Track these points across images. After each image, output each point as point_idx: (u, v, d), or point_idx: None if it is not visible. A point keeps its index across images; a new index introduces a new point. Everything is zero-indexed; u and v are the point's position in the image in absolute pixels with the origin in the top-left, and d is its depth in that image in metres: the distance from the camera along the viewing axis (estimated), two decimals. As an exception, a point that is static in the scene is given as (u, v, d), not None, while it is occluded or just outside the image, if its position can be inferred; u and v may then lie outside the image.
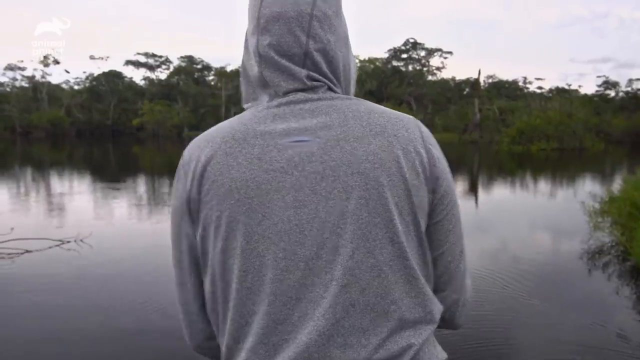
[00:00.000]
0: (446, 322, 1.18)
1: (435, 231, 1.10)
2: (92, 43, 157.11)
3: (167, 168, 26.78)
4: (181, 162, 1.12)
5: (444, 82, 77.10)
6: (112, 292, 6.01)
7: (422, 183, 1.04)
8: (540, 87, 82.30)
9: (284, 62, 1.07)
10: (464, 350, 4.24)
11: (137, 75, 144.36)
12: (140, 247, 8.35)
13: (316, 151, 1.02)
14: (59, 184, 19.07)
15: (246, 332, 1.04)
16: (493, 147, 35.21)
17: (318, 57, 1.08)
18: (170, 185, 18.47)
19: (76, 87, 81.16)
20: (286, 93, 1.08)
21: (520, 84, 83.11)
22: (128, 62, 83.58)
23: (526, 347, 4.58)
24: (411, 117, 1.10)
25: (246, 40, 1.16)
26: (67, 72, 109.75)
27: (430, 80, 77.00)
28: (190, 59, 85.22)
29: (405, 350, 1.02)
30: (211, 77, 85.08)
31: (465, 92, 72.24)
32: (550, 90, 76.40)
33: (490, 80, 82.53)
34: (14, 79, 77.52)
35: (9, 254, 7.60)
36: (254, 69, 1.12)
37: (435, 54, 78.81)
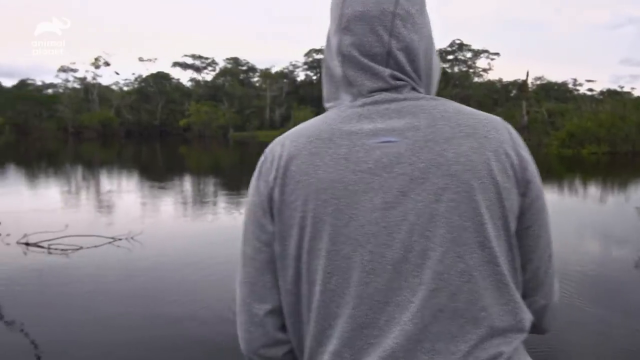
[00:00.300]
0: (534, 327, 1.13)
1: (525, 237, 1.06)
2: (141, 45, 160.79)
3: (212, 168, 27.17)
4: (262, 159, 1.11)
5: (490, 83, 75.96)
6: (161, 288, 6.13)
7: (513, 186, 1.01)
8: (590, 90, 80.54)
9: (366, 61, 1.06)
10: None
11: (184, 77, 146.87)
12: (189, 245, 8.48)
13: (404, 152, 1.00)
14: (109, 182, 19.57)
15: (329, 335, 1.02)
16: (541, 150, 34.39)
17: (401, 57, 1.06)
18: (217, 184, 18.77)
19: (125, 89, 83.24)
20: (370, 92, 1.06)
21: (570, 86, 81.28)
22: (175, 64, 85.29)
23: (578, 351, 4.47)
24: (499, 118, 1.07)
25: (328, 39, 1.15)
26: (117, 73, 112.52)
27: (476, 82, 75.98)
28: (235, 61, 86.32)
29: (495, 359, 0.98)
30: (256, 79, 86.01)
31: (512, 94, 70.93)
32: (602, 93, 74.26)
33: (538, 82, 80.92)
34: (67, 81, 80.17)
35: (64, 249, 7.85)
36: (336, 69, 1.11)
37: (482, 55, 77.78)
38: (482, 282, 0.98)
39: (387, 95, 1.05)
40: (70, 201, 14.06)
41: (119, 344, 4.59)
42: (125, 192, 16.36)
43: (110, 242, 8.25)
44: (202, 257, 7.66)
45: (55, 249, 7.87)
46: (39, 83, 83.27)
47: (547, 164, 29.47)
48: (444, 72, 74.93)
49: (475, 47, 77.45)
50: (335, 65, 1.11)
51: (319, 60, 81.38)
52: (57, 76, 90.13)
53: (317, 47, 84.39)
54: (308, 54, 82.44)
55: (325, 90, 1.17)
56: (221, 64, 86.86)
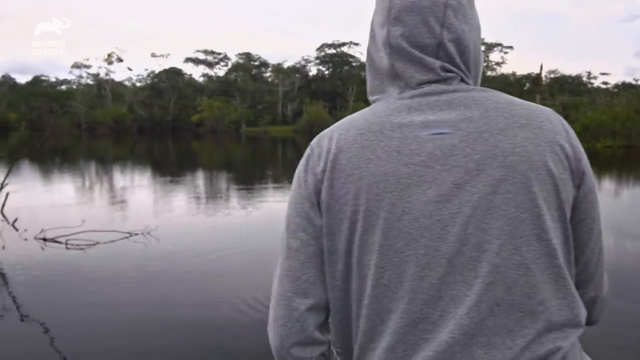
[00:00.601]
0: None
1: (578, 229, 1.04)
2: (154, 41, 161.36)
3: (225, 163, 27.26)
4: (308, 152, 1.09)
5: (503, 77, 75.43)
6: (176, 284, 6.18)
7: (568, 177, 1.00)
8: (605, 83, 79.46)
9: (416, 53, 1.04)
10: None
11: (197, 72, 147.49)
12: (204, 241, 8.53)
13: (458, 144, 0.98)
14: (123, 177, 19.69)
15: (382, 330, 1.00)
16: (555, 144, 34.19)
17: (451, 48, 1.04)
18: (229, 179, 18.84)
19: (138, 84, 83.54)
20: (419, 85, 1.04)
21: (584, 79, 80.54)
22: (188, 60, 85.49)
23: (596, 342, 4.46)
24: (551, 109, 1.06)
25: (373, 31, 1.13)
26: (130, 69, 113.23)
27: (489, 76, 75.44)
28: (248, 56, 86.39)
29: (552, 354, 0.96)
30: (268, 74, 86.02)
31: (526, 88, 70.53)
32: (616, 86, 73.56)
33: (552, 76, 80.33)
34: (80, 77, 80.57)
35: (79, 245, 7.92)
36: (383, 61, 1.09)
37: (495, 49, 77.35)
38: (540, 275, 0.97)
39: (436, 87, 1.04)
40: (86, 196, 14.19)
41: (134, 339, 4.63)
42: (139, 187, 16.47)
43: (126, 238, 8.31)
44: (217, 252, 7.70)
45: (73, 245, 7.94)
46: (53, 79, 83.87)
47: (561, 157, 29.18)
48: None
49: (488, 40, 76.90)
50: (382, 57, 1.09)
51: (330, 55, 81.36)
52: (70, 72, 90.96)
53: (329, 41, 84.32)
54: (320, 49, 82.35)
55: (370, 83, 1.15)
56: (233, 59, 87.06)
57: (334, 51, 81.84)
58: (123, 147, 42.28)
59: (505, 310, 0.95)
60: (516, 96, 1.10)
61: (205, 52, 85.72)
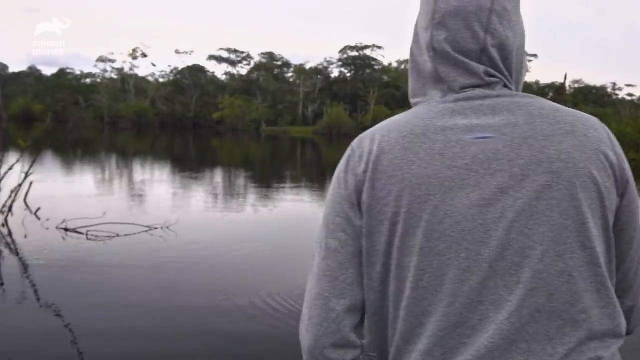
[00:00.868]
0: None
1: (619, 238, 1.03)
2: (178, 38, 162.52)
3: (244, 161, 27.38)
4: (349, 153, 1.09)
5: (526, 86, 74.08)
6: (194, 278, 6.24)
7: (612, 186, 0.99)
8: (630, 94, 78.59)
9: (460, 57, 1.04)
10: None
11: (219, 70, 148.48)
12: (223, 236, 8.60)
13: (502, 149, 0.98)
14: (144, 171, 19.88)
15: (419, 333, 0.99)
16: (577, 154, 33.86)
17: (495, 53, 1.05)
18: (248, 178, 18.93)
19: (161, 80, 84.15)
20: (462, 89, 1.05)
21: (609, 90, 79.65)
22: (211, 57, 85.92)
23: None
24: (596, 118, 1.05)
25: (417, 34, 1.14)
26: (154, 65, 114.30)
27: (512, 84, 74.84)
28: (270, 56, 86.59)
29: None
30: (290, 74, 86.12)
31: (549, 97, 69.82)
32: (642, 98, 72.60)
33: (576, 86, 79.52)
34: (105, 71, 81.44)
35: (100, 236, 8.03)
36: (426, 65, 1.09)
37: (519, 56, 76.56)
38: (582, 283, 0.96)
39: (480, 91, 1.04)
40: (107, 189, 14.36)
41: (150, 331, 4.69)
42: (159, 181, 16.62)
43: (146, 231, 8.40)
44: (235, 248, 7.76)
45: (93, 236, 8.05)
46: (78, 72, 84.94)
47: (582, 169, 28.87)
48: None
49: (512, 48, 76.18)
50: (425, 61, 1.09)
51: (353, 58, 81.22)
52: (95, 66, 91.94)
53: (352, 44, 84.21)
54: (343, 51, 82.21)
55: (412, 86, 1.15)
56: (256, 58, 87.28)
57: (356, 54, 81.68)
58: (144, 142, 42.66)
59: (546, 317, 0.94)
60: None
61: (229, 50, 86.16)
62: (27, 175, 9.73)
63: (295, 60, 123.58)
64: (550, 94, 70.01)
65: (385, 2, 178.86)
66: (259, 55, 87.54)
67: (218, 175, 19.80)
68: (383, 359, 1.09)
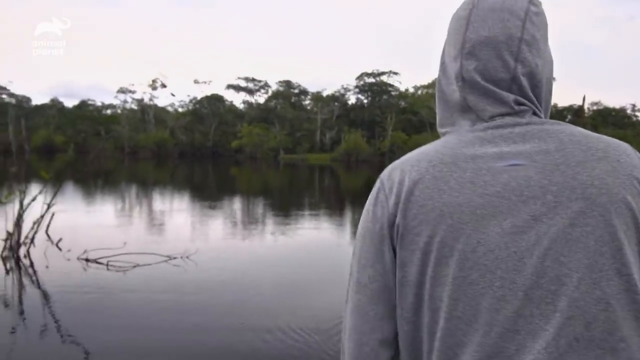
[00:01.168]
0: None
1: None
2: (197, 67, 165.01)
3: (262, 190, 27.47)
4: (379, 185, 1.09)
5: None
6: (213, 309, 6.22)
7: None
8: (651, 116, 77.65)
9: (490, 86, 1.05)
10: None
11: (237, 99, 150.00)
12: (242, 266, 8.59)
13: (534, 176, 0.97)
14: (164, 201, 20.02)
15: None
16: (598, 177, 33.49)
17: (524, 82, 1.05)
18: (266, 206, 18.96)
19: (180, 110, 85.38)
20: (491, 118, 1.05)
21: (629, 111, 78.99)
22: (229, 86, 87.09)
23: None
24: (627, 144, 1.04)
25: (444, 64, 1.14)
26: (173, 95, 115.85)
27: (530, 107, 74.56)
28: (287, 84, 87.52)
29: None
30: (307, 102, 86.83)
31: (567, 120, 69.42)
32: (663, 119, 71.83)
33: (595, 108, 79.02)
34: (125, 102, 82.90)
35: (120, 266, 8.06)
36: (454, 94, 1.09)
37: (537, 80, 76.37)
38: (620, 311, 0.93)
39: (509, 119, 1.04)
40: (127, 219, 14.46)
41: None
42: (178, 211, 16.71)
43: (165, 261, 8.43)
44: (254, 278, 7.74)
45: (113, 266, 8.09)
46: (99, 104, 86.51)
47: (604, 192, 28.50)
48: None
49: (529, 71, 76.08)
50: (453, 91, 1.10)
51: (370, 84, 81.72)
52: (116, 97, 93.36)
53: (369, 70, 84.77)
54: (359, 78, 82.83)
55: (440, 116, 1.16)
56: (274, 86, 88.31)
57: (373, 80, 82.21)
58: (164, 171, 43.05)
59: (584, 347, 0.92)
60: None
61: (247, 79, 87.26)
62: (49, 207, 9.84)
63: (312, 88, 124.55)
64: (569, 117, 69.60)
65: (401, 28, 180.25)
66: (276, 83, 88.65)
67: (237, 204, 19.87)
68: None
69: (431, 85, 75.07)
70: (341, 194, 26.30)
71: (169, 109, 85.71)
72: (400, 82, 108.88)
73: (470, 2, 1.09)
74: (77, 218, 13.45)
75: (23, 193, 9.61)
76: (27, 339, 5.28)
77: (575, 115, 69.87)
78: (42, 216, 9.63)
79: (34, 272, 7.91)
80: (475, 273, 0.96)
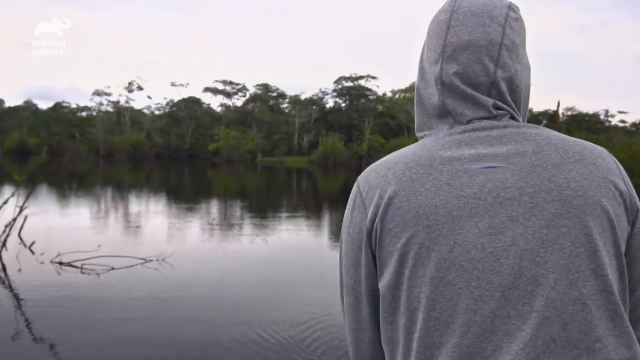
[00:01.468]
0: None
1: (630, 267, 1.03)
2: (174, 70, 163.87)
3: (240, 192, 27.37)
4: (356, 189, 1.09)
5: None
6: (187, 312, 6.18)
7: (623, 214, 0.99)
8: (623, 121, 79.12)
9: (469, 90, 1.05)
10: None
11: (215, 102, 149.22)
12: (217, 269, 8.54)
13: (511, 177, 0.98)
14: (139, 204, 19.83)
15: None
16: (572, 181, 33.98)
17: (504, 87, 1.06)
18: (243, 209, 18.89)
19: (157, 112, 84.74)
20: (469, 121, 1.06)
21: (602, 117, 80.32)
22: (206, 89, 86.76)
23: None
24: (603, 147, 1.06)
25: (422, 68, 1.14)
26: (150, 97, 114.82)
27: (505, 112, 75.33)
28: (265, 87, 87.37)
29: None
30: (285, 105, 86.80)
31: (543, 124, 70.16)
32: (634, 125, 73.24)
33: (569, 113, 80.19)
34: (101, 104, 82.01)
35: (95, 270, 7.96)
36: (432, 98, 1.10)
37: (512, 85, 77.26)
38: (596, 311, 0.94)
39: (487, 122, 1.05)
40: (102, 221, 14.29)
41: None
42: (154, 213, 16.57)
43: (141, 264, 8.35)
44: (230, 280, 7.71)
45: (88, 269, 8.00)
46: (74, 106, 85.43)
47: (577, 195, 28.92)
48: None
49: (504, 76, 76.95)
50: (432, 94, 1.10)
51: (348, 88, 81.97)
52: (91, 99, 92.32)
53: (347, 74, 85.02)
54: (337, 81, 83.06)
55: (418, 120, 1.16)
56: (251, 89, 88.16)
57: (351, 84, 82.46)
58: (140, 174, 42.64)
59: (562, 347, 0.93)
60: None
61: (224, 82, 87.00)
62: (21, 209, 9.70)
63: (290, 91, 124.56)
64: (544, 122, 70.52)
65: (379, 33, 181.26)
66: (254, 86, 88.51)
67: (214, 206, 19.76)
68: None
69: (409, 89, 75.52)
70: (318, 197, 26.32)
71: (146, 111, 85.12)
72: (378, 86, 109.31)
73: (450, 6, 1.10)
74: (51, 221, 13.25)
75: (-5, 195, 9.46)
76: (-2, 342, 5.19)
77: (550, 120, 70.84)
78: (14, 219, 9.48)
79: (6, 275, 7.77)
80: (452, 273, 0.96)
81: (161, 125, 78.00)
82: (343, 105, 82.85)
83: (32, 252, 9.02)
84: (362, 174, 1.10)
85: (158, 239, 10.84)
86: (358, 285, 1.09)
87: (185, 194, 25.78)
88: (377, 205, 1.03)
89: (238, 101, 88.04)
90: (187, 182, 35.98)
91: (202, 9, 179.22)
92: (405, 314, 1.01)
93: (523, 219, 0.96)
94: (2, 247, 8.88)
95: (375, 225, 1.03)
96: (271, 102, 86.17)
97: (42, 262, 8.33)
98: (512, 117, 1.08)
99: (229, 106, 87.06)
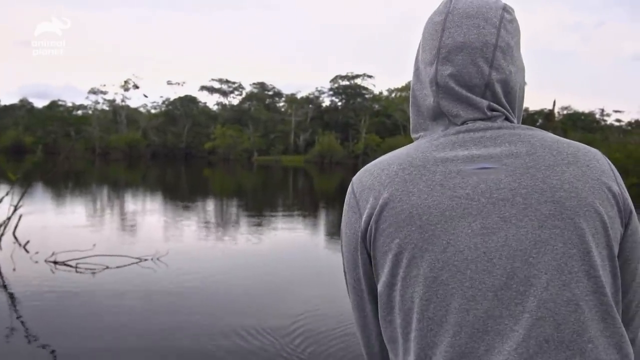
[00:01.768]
0: None
1: (623, 269, 1.03)
2: (170, 69, 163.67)
3: (236, 191, 27.34)
4: (350, 190, 1.10)
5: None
6: (182, 311, 6.17)
7: (616, 216, 1.00)
8: (618, 120, 79.26)
9: (464, 92, 1.06)
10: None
11: (211, 101, 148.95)
12: (217, 266, 8.53)
13: (504, 178, 0.99)
14: (135, 202, 19.79)
15: None
16: (567, 180, 34.04)
17: (498, 88, 1.06)
18: (240, 208, 18.88)
19: (153, 111, 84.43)
20: (464, 123, 1.06)
21: (597, 116, 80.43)
22: (203, 88, 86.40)
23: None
24: (597, 149, 1.07)
25: (417, 69, 1.15)
26: (146, 96, 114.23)
27: (502, 111, 75.39)
28: (262, 85, 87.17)
29: None
30: (282, 104, 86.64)
31: (538, 124, 70.43)
32: (630, 124, 73.41)
33: (565, 112, 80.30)
34: (96, 102, 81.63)
35: (89, 269, 7.94)
36: (427, 99, 1.10)
37: (508, 84, 77.34)
38: (589, 312, 0.95)
39: (481, 124, 1.05)
40: (97, 220, 14.25)
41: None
42: (150, 212, 16.54)
43: (136, 263, 8.33)
44: (225, 279, 7.70)
45: (83, 268, 7.97)
46: (70, 104, 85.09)
47: (573, 194, 28.98)
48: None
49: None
50: (426, 95, 1.11)
51: (344, 87, 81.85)
52: (87, 98, 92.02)
53: (343, 73, 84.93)
54: (334, 80, 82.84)
55: (413, 121, 1.17)
56: (247, 88, 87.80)
57: (347, 83, 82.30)
58: (136, 173, 42.55)
59: (554, 348, 0.93)
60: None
61: (220, 80, 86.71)
62: (16, 209, 9.66)
63: (286, 90, 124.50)
64: (540, 121, 70.66)
65: (376, 32, 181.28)
66: (250, 85, 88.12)
67: (210, 205, 19.73)
68: None
69: (405, 88, 75.51)
70: (315, 196, 26.31)
71: (142, 109, 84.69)
72: (374, 85, 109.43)
73: (445, 8, 1.10)
74: (46, 220, 13.22)
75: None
76: (-8, 342, 5.17)
77: (545, 119, 70.98)
78: (8, 218, 9.45)
79: (0, 274, 7.74)
80: (445, 273, 0.97)
81: (157, 123, 77.75)
82: (339, 104, 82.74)
83: (27, 251, 9.00)
84: (357, 174, 1.11)
85: (153, 238, 10.82)
86: (358, 284, 1.11)
87: (181, 192, 25.74)
88: (371, 207, 1.04)
89: (234, 100, 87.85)
90: (183, 180, 35.92)
91: (198, 7, 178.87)
92: (400, 313, 1.01)
93: (516, 220, 0.97)
94: (-4, 246, 8.85)
95: (369, 226, 1.04)
96: (267, 101, 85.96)
97: (36, 262, 8.31)
98: (507, 119, 1.08)
99: (225, 105, 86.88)
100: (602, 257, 0.97)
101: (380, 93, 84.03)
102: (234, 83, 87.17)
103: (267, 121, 77.78)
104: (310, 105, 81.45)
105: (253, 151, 72.36)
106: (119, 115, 78.75)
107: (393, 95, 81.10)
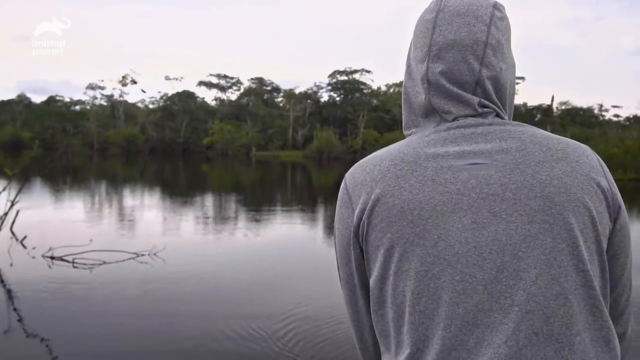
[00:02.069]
0: None
1: (612, 264, 1.05)
2: (168, 64, 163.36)
3: (234, 186, 27.34)
4: (343, 185, 1.12)
5: (514, 108, 75.12)
6: (179, 306, 6.17)
7: (605, 211, 1.01)
8: (617, 115, 79.34)
9: (455, 89, 1.07)
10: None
11: (209, 96, 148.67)
12: (214, 262, 8.53)
13: (494, 174, 1.00)
14: (133, 198, 19.78)
15: (418, 357, 1.01)
16: (565, 175, 34.04)
17: (489, 85, 1.07)
18: (238, 203, 18.87)
19: (151, 106, 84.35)
20: (455, 120, 1.07)
21: (596, 111, 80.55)
22: (201, 83, 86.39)
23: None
24: (586, 145, 1.08)
25: (409, 67, 1.16)
26: (144, 91, 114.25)
27: (500, 106, 75.42)
28: (260, 81, 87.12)
29: None
30: (280, 99, 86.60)
31: (537, 119, 70.47)
32: (628, 119, 73.50)
33: (563, 107, 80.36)
34: (94, 98, 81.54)
35: (86, 264, 7.94)
36: (419, 96, 1.11)
37: (506, 79, 77.32)
38: (577, 306, 0.97)
39: (472, 120, 1.06)
40: (95, 216, 14.25)
41: (138, 359, 4.62)
42: (148, 207, 16.53)
43: (133, 258, 8.33)
44: (222, 274, 7.70)
45: (80, 264, 7.97)
46: (67, 99, 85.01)
47: (571, 189, 28.95)
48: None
49: (499, 71, 77.00)
50: (418, 92, 1.12)
51: (342, 82, 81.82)
52: (85, 93, 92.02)
53: (341, 68, 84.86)
54: (332, 75, 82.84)
55: (405, 118, 1.18)
56: (246, 83, 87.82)
57: (345, 78, 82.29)
58: (134, 168, 42.53)
59: (544, 341, 0.95)
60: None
61: (218, 76, 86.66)
62: (13, 204, 9.65)
63: (284, 85, 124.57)
64: (538, 116, 70.71)
65: (374, 27, 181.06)
66: (248, 80, 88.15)
67: (208, 200, 19.73)
68: None
69: (403, 83, 75.27)
70: (313, 191, 26.31)
71: (140, 105, 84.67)
72: (372, 81, 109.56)
73: (436, 6, 1.11)
74: (43, 215, 13.21)
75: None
76: (-12, 337, 5.16)
77: (544, 114, 71.06)
78: (5, 213, 9.44)
79: (-3, 269, 7.74)
80: (436, 267, 0.98)
81: (155, 119, 77.66)
82: (337, 99, 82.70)
83: (24, 247, 8.99)
84: (349, 170, 1.13)
85: (151, 233, 10.81)
86: (351, 279, 1.12)
87: (179, 188, 25.74)
88: (363, 202, 1.05)
89: (232, 95, 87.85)
90: (181, 176, 35.91)
91: (197, 3, 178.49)
92: (392, 307, 1.03)
93: (506, 215, 0.98)
94: (-7, 242, 8.84)
95: (362, 221, 1.05)
96: (265, 96, 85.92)
97: (33, 257, 8.31)
98: (498, 115, 1.09)
99: (223, 100, 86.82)
100: (590, 251, 0.99)
101: (379, 88, 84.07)
102: (232, 78, 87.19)
103: (265, 116, 77.72)
104: (309, 101, 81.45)
105: (251, 146, 72.33)
106: (116, 111, 78.66)
107: (391, 90, 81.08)
